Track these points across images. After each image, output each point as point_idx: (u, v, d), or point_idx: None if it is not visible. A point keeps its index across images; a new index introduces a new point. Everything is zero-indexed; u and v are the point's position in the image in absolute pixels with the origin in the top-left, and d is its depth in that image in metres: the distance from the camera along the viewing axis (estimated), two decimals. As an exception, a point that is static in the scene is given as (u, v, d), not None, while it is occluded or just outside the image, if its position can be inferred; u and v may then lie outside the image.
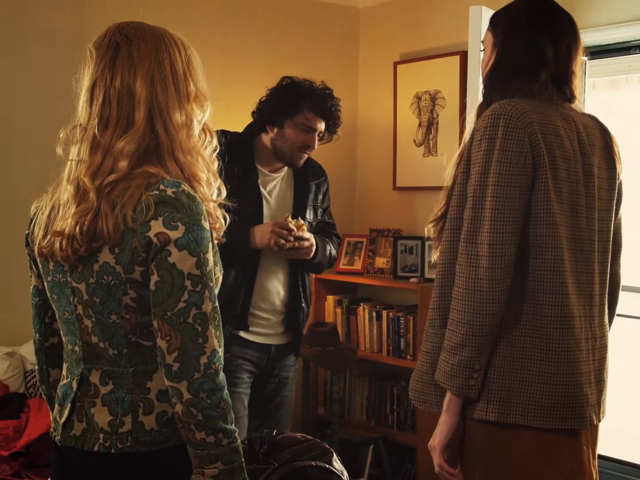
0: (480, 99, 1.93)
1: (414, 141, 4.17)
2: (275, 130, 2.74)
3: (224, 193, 1.57)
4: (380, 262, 4.13)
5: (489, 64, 1.86)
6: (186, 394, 1.38)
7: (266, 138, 2.78)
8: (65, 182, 1.49)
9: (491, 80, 1.85)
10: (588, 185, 1.79)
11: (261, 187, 2.77)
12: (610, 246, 1.87)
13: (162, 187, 1.40)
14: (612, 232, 1.87)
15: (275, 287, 2.80)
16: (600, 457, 3.28)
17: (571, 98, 1.86)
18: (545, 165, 1.70)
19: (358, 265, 4.22)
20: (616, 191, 1.88)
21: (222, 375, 1.41)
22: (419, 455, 3.72)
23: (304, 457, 1.93)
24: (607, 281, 1.87)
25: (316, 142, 2.77)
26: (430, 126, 4.09)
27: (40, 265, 1.57)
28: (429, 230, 1.88)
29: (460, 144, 1.86)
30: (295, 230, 2.69)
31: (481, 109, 1.84)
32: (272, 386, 2.88)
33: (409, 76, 4.17)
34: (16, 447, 2.88)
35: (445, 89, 3.99)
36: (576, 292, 1.75)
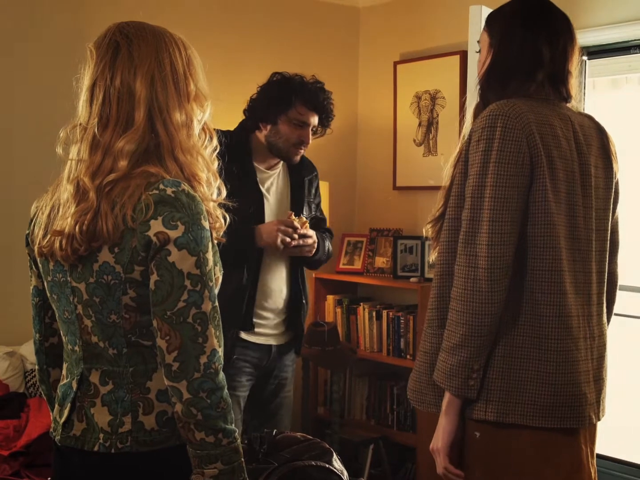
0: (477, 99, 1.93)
1: (414, 141, 4.17)
2: (269, 127, 2.74)
3: (224, 193, 1.57)
4: (380, 261, 4.13)
5: (485, 65, 1.86)
6: (186, 393, 1.38)
7: (260, 135, 2.77)
8: (65, 181, 1.49)
9: (488, 81, 1.86)
10: (585, 185, 1.79)
11: (260, 185, 2.77)
12: (608, 245, 1.88)
13: (161, 186, 1.40)
14: (609, 231, 1.88)
15: (279, 286, 2.80)
16: (600, 456, 3.29)
17: (568, 98, 1.86)
18: (542, 165, 1.71)
19: (358, 265, 4.22)
20: (613, 190, 1.88)
21: (222, 375, 1.41)
22: (419, 455, 3.72)
23: (304, 456, 1.93)
24: (605, 280, 1.87)
25: (310, 137, 2.77)
26: (430, 126, 4.10)
27: (40, 265, 1.57)
28: (427, 230, 1.88)
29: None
30: (300, 227, 2.70)
31: (478, 110, 1.84)
32: (272, 387, 2.88)
33: (409, 76, 4.17)
34: (16, 447, 2.88)
35: (446, 89, 3.99)
36: (574, 291, 1.76)
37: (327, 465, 1.93)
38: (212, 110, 1.56)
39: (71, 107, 1.54)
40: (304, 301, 2.87)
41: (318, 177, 3.00)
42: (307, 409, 3.94)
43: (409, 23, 4.21)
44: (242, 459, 1.43)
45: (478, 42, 1.93)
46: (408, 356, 3.84)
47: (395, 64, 4.23)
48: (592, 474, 1.81)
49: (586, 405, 1.75)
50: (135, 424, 1.46)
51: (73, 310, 1.49)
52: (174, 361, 1.38)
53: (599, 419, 1.82)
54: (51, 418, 1.63)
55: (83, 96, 1.50)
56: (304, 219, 2.75)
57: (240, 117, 2.86)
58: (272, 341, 2.81)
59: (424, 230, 1.90)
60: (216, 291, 1.46)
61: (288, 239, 2.67)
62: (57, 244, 1.45)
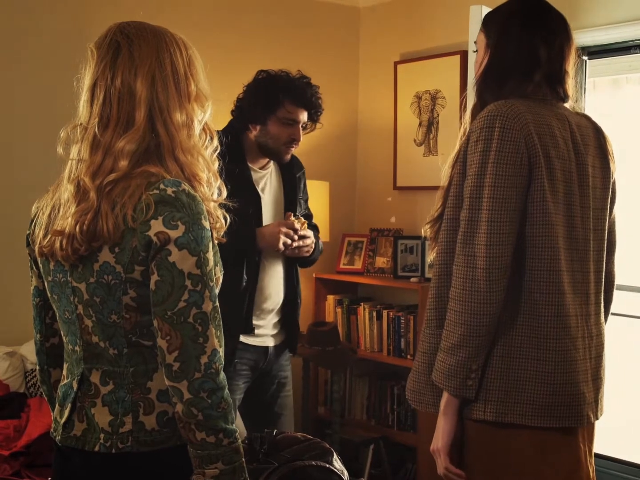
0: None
1: (414, 141, 4.17)
2: (258, 127, 2.71)
3: (225, 193, 1.57)
4: (381, 261, 4.14)
5: (483, 65, 1.87)
6: (186, 393, 1.38)
7: (251, 135, 2.74)
8: (65, 181, 1.49)
9: (485, 81, 1.86)
10: (582, 185, 1.79)
11: (255, 185, 2.77)
12: (605, 245, 1.88)
13: (162, 186, 1.40)
14: (606, 231, 1.88)
15: (276, 287, 2.80)
16: (601, 456, 3.30)
17: (565, 97, 1.87)
18: (541, 165, 1.71)
19: (358, 265, 4.22)
20: (610, 190, 1.88)
21: (222, 375, 1.41)
22: (420, 455, 3.72)
23: (304, 456, 1.93)
24: (603, 279, 1.88)
25: (301, 133, 2.75)
26: (430, 126, 4.10)
27: (40, 265, 1.57)
28: (425, 231, 1.88)
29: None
30: (299, 229, 2.70)
31: (475, 110, 1.84)
32: (274, 387, 2.88)
33: (409, 76, 4.17)
34: (16, 447, 2.88)
35: (446, 89, 3.99)
36: (572, 291, 1.76)
37: (327, 465, 1.93)
38: (212, 111, 1.56)
39: (72, 107, 1.54)
40: (298, 300, 2.88)
41: (305, 174, 2.99)
42: (307, 409, 3.94)
43: (409, 23, 4.21)
44: (243, 459, 1.43)
45: (475, 42, 1.94)
46: (408, 356, 3.84)
47: (396, 64, 4.23)
48: (590, 474, 1.81)
49: (584, 405, 1.75)
50: (136, 424, 1.46)
51: (73, 311, 1.49)
52: (175, 361, 1.38)
53: (597, 418, 1.82)
54: (52, 418, 1.63)
55: (84, 96, 1.50)
56: (303, 219, 2.76)
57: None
58: (268, 342, 2.80)
59: (422, 231, 1.91)
60: (217, 291, 1.46)
61: (289, 241, 2.68)
62: (57, 244, 1.45)
